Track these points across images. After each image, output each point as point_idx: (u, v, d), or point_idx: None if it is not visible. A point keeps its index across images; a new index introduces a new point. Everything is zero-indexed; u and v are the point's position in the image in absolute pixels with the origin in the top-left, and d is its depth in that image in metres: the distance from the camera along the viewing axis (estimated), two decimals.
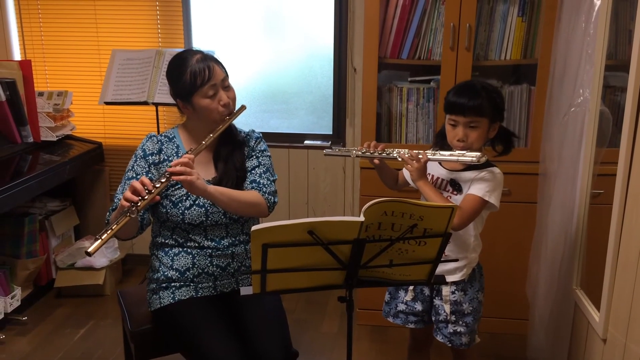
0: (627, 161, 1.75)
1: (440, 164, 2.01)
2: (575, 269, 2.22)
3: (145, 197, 1.71)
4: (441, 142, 2.04)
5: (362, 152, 2.00)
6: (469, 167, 1.94)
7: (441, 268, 1.95)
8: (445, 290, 2.00)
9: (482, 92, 1.90)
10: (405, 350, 2.32)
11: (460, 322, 2.01)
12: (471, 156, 1.86)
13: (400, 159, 1.94)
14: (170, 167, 1.78)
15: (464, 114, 1.89)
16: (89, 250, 1.58)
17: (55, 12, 3.46)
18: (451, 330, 2.01)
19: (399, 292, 2.10)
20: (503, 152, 2.02)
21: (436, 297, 2.03)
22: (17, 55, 3.53)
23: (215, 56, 1.99)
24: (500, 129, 1.98)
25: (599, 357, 1.96)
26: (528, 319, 2.63)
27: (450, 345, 2.03)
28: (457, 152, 1.90)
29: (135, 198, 1.70)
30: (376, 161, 2.02)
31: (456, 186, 1.97)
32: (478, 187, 1.90)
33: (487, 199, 1.89)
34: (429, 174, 2.01)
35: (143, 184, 1.72)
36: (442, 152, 1.93)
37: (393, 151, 1.97)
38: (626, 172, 1.76)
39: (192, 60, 1.91)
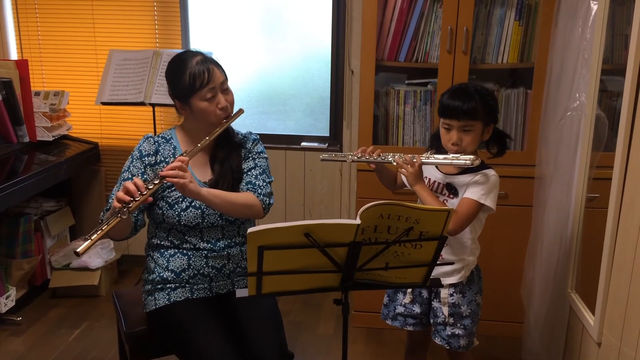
0: (623, 165, 1.76)
1: (436, 167, 2.02)
2: (570, 272, 2.23)
3: (137, 199, 1.71)
4: (436, 145, 2.04)
5: (358, 157, 1.99)
6: (464, 170, 1.94)
7: (439, 270, 1.95)
8: (444, 292, 2.00)
9: (476, 96, 1.89)
10: (401, 353, 2.32)
11: (459, 325, 2.01)
12: (465, 159, 1.86)
13: (395, 164, 1.95)
14: (163, 171, 1.78)
15: (457, 118, 1.89)
16: (78, 250, 1.56)
17: (52, 11, 3.46)
18: (449, 333, 2.01)
19: (398, 294, 2.10)
20: (497, 154, 2.02)
21: (434, 300, 2.03)
22: (14, 55, 3.52)
23: (215, 58, 1.99)
24: (494, 130, 1.98)
25: None
26: (523, 322, 2.63)
27: (448, 347, 2.03)
28: (451, 155, 1.90)
29: (127, 198, 1.70)
30: (372, 165, 2.02)
31: (452, 190, 1.97)
32: (473, 191, 1.90)
33: (482, 202, 1.89)
34: (426, 177, 2.01)
35: (136, 186, 1.72)
36: (436, 156, 1.93)
37: (388, 155, 1.98)
38: (622, 176, 1.77)
39: (192, 62, 1.91)
